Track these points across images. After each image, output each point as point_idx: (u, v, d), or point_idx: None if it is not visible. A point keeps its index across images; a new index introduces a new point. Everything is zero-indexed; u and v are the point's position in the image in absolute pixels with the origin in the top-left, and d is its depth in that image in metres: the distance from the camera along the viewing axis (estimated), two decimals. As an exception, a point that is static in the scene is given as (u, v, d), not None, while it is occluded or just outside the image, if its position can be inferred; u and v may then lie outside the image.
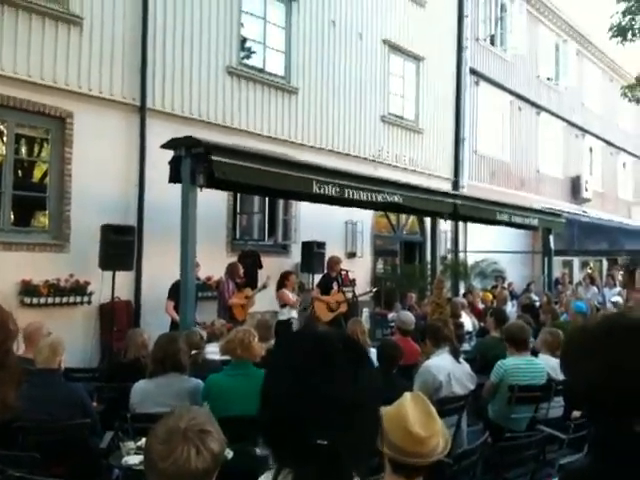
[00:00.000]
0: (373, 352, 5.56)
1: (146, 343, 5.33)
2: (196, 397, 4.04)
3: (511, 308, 11.86)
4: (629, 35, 15.57)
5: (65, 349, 4.32)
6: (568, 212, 18.28)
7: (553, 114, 20.49)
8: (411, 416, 2.39)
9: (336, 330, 3.64)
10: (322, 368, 1.34)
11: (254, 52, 11.52)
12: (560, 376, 5.05)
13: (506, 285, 14.91)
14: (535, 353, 5.12)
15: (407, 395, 2.54)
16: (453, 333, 4.87)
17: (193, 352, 5.25)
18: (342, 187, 8.47)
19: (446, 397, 4.45)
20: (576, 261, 20.96)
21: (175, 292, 8.07)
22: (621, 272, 19.30)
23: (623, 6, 15.08)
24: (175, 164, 7.22)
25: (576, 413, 4.62)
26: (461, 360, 4.65)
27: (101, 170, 8.88)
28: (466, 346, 7.87)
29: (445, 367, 4.53)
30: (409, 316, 6.26)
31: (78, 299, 8.62)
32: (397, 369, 4.66)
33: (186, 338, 5.03)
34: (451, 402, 4.44)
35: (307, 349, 1.40)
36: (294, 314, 9.94)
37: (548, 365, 5.05)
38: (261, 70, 11.40)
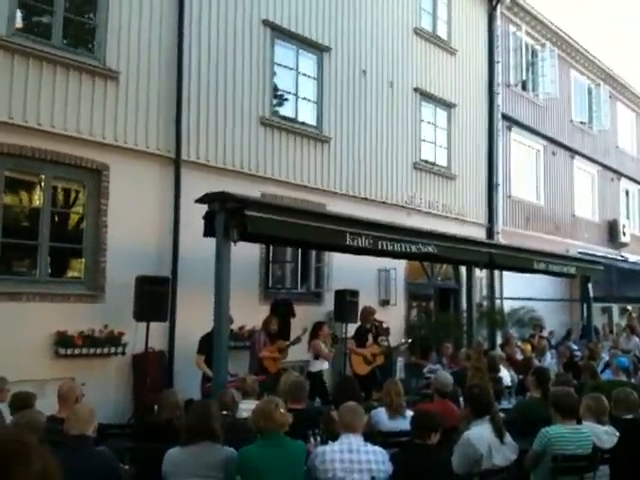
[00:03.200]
0: (409, 414, 5.40)
1: (180, 404, 5.25)
2: (229, 468, 3.93)
3: (550, 359, 11.56)
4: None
5: (95, 415, 4.24)
6: (606, 257, 17.91)
7: (587, 158, 20.28)
8: None
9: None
10: None
11: (286, 102, 11.64)
12: (606, 444, 4.84)
13: (545, 334, 14.53)
14: (579, 420, 4.88)
15: None
16: (494, 399, 4.67)
17: (223, 413, 5.13)
18: (375, 239, 8.35)
19: (488, 469, 4.26)
20: (615, 307, 20.43)
21: (205, 346, 8.01)
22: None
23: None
24: (209, 218, 7.22)
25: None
26: (505, 440, 4.43)
27: (136, 221, 8.95)
28: (505, 403, 7.66)
29: (486, 438, 4.34)
30: (447, 377, 6.08)
31: (112, 350, 8.60)
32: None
33: (218, 399, 4.92)
34: (493, 475, 4.26)
35: None
36: (325, 366, 9.82)
37: (593, 433, 4.82)
38: (293, 120, 11.49)
